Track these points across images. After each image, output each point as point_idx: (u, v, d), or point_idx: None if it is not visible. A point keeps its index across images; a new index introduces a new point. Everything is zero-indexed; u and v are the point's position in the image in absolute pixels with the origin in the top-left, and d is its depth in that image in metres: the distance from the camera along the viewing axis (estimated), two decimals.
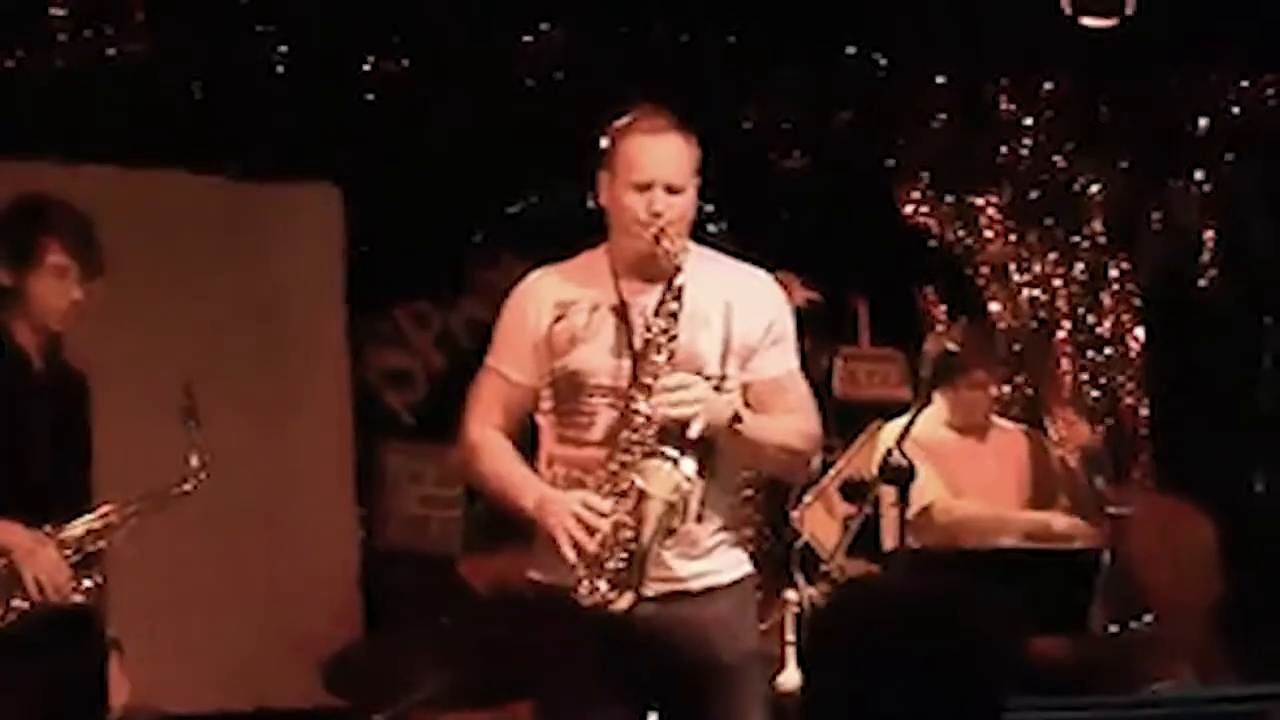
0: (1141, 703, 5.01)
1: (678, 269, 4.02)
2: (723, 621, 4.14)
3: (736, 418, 4.04)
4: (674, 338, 4.01)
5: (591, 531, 3.96)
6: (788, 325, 4.24)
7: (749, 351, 4.14)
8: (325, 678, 6.16)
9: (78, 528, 4.62)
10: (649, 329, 4.03)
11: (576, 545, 3.96)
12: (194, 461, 4.69)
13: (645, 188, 4.07)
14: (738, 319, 4.13)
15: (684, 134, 4.14)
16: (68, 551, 4.60)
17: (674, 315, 4.02)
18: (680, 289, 4.02)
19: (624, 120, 4.17)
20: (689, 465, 3.97)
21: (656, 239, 4.03)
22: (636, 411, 4.00)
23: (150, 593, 6.69)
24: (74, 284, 4.66)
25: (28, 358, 4.70)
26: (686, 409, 3.97)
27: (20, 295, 4.65)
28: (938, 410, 5.86)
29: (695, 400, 3.98)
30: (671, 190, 4.07)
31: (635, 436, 3.99)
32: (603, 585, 3.97)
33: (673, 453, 3.96)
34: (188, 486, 4.71)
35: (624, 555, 3.97)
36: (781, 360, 4.20)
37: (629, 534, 3.97)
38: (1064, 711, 4.39)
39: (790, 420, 4.18)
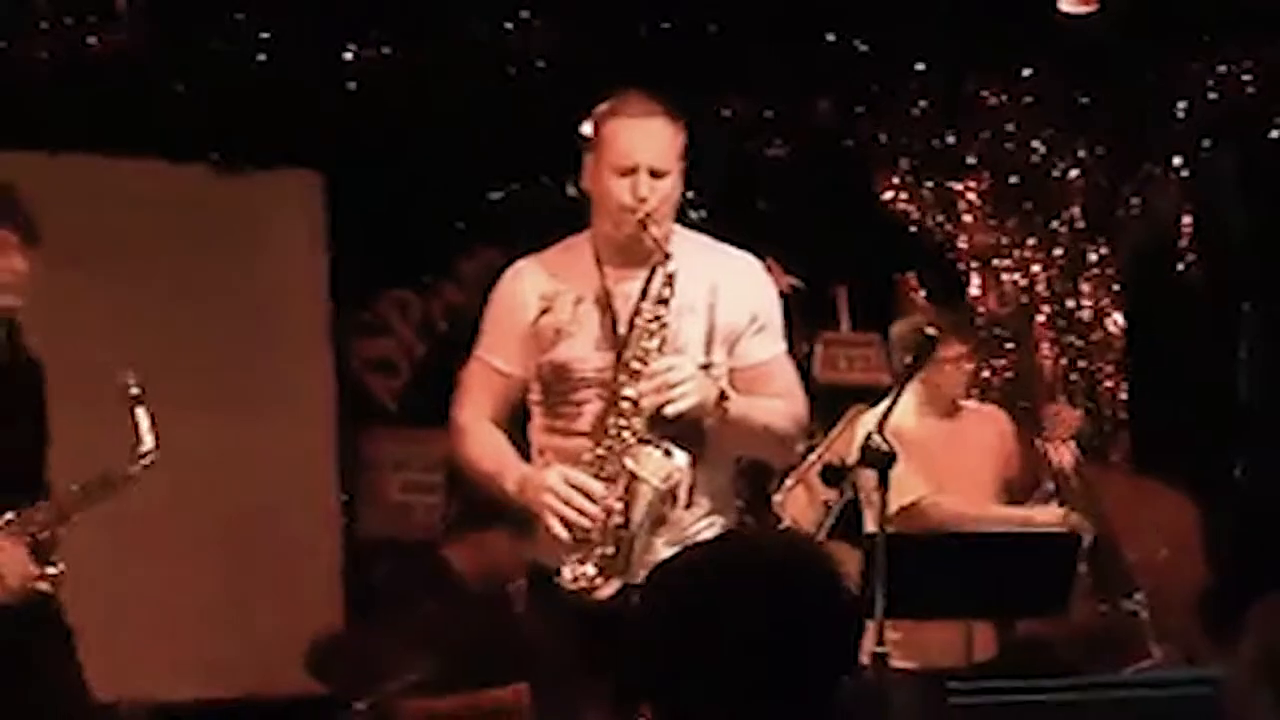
0: (1121, 683, 5.04)
1: (667, 256, 4.00)
2: None
3: (723, 396, 4.02)
4: (664, 325, 3.99)
5: (581, 511, 3.95)
6: (774, 309, 4.20)
7: (734, 337, 4.12)
8: (310, 664, 6.16)
9: (35, 515, 4.58)
10: (638, 313, 4.00)
11: (566, 523, 3.95)
12: (146, 443, 4.65)
13: (629, 172, 4.03)
14: (722, 305, 4.10)
15: (670, 118, 4.09)
16: (26, 539, 4.57)
17: (664, 302, 3.99)
18: (672, 276, 3.99)
19: (609, 105, 4.13)
20: (682, 456, 3.96)
21: (642, 225, 4.00)
22: (625, 397, 3.98)
23: (134, 582, 6.72)
24: (15, 255, 4.63)
25: None
26: (675, 392, 3.95)
27: None
28: (913, 397, 5.87)
29: (683, 382, 3.96)
30: (655, 174, 4.03)
31: (623, 422, 3.98)
32: (589, 569, 3.96)
33: (666, 443, 3.94)
34: (136, 469, 4.62)
35: (614, 542, 3.96)
36: (768, 345, 4.18)
37: (619, 519, 3.96)
38: (1044, 693, 4.42)
39: (779, 403, 4.16)
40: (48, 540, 4.61)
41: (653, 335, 3.99)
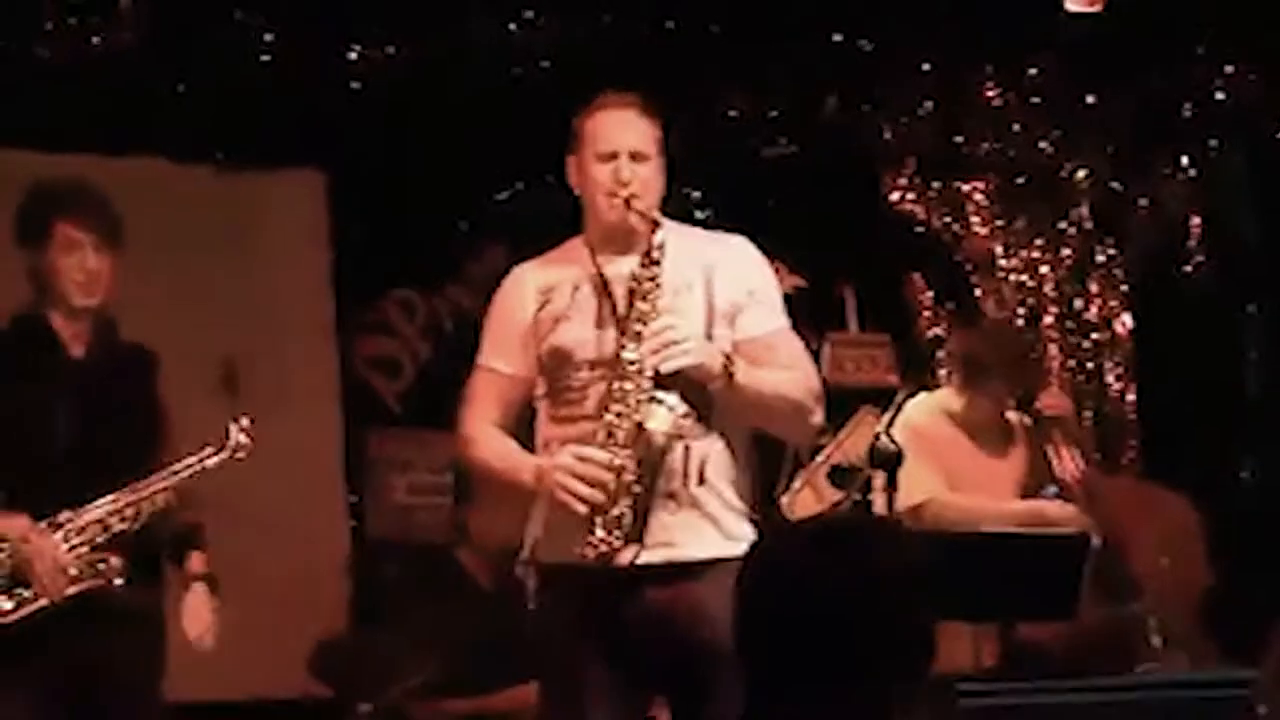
0: (1127, 686, 5.02)
1: (656, 224, 4.07)
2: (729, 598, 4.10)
3: (729, 360, 4.05)
4: (658, 285, 4.05)
5: (595, 484, 3.96)
6: (771, 287, 4.26)
7: (734, 313, 4.16)
8: (315, 666, 6.16)
9: (94, 511, 4.58)
10: (635, 280, 4.06)
11: (585, 500, 3.97)
12: (236, 434, 4.67)
13: (610, 157, 4.13)
14: (719, 282, 4.16)
15: (646, 110, 4.20)
16: (85, 536, 4.56)
17: (657, 264, 4.05)
18: (662, 244, 4.06)
19: (587, 106, 4.23)
20: (676, 400, 3.98)
21: (627, 204, 4.08)
22: (627, 361, 4.01)
23: None
24: (90, 255, 4.63)
25: (63, 344, 4.68)
26: (675, 349, 3.99)
27: (41, 278, 4.65)
28: (946, 404, 5.84)
29: (682, 340, 4.01)
30: (636, 158, 4.13)
31: (628, 385, 4.00)
32: (604, 534, 3.96)
33: (664, 395, 3.98)
34: (224, 455, 4.68)
35: (628, 501, 3.97)
36: (768, 318, 4.21)
37: (631, 477, 3.98)
38: (1051, 694, 4.41)
39: (786, 373, 4.18)
40: (116, 535, 4.61)
41: (646, 297, 4.05)
